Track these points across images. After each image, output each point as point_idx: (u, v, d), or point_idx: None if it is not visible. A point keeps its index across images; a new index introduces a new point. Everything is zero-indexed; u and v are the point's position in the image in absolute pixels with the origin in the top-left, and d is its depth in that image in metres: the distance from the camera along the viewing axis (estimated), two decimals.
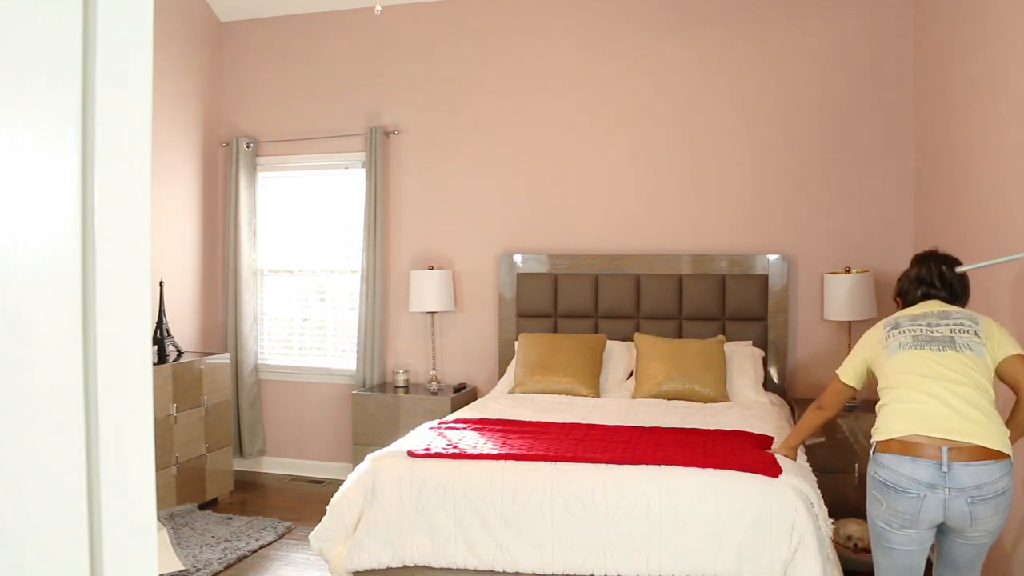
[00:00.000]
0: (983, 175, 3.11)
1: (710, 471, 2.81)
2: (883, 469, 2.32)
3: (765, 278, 4.44)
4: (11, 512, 0.49)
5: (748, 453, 2.98)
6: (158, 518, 3.95)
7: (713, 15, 4.62)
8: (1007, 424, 2.33)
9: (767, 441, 3.18)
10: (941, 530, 2.33)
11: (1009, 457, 2.24)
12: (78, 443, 0.55)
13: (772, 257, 4.45)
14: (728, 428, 3.40)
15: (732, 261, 4.50)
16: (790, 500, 2.67)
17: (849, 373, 2.67)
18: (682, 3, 4.67)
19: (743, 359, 4.22)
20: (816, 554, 2.57)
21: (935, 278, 2.58)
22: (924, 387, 2.34)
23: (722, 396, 4.03)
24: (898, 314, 2.60)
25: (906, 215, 4.34)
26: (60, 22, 0.53)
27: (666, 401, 4.02)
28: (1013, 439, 2.31)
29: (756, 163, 4.57)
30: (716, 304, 4.49)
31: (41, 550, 0.52)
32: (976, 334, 2.40)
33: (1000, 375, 2.37)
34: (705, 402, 4.01)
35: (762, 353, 4.33)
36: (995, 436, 2.24)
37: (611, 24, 4.78)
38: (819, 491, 2.82)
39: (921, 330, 2.46)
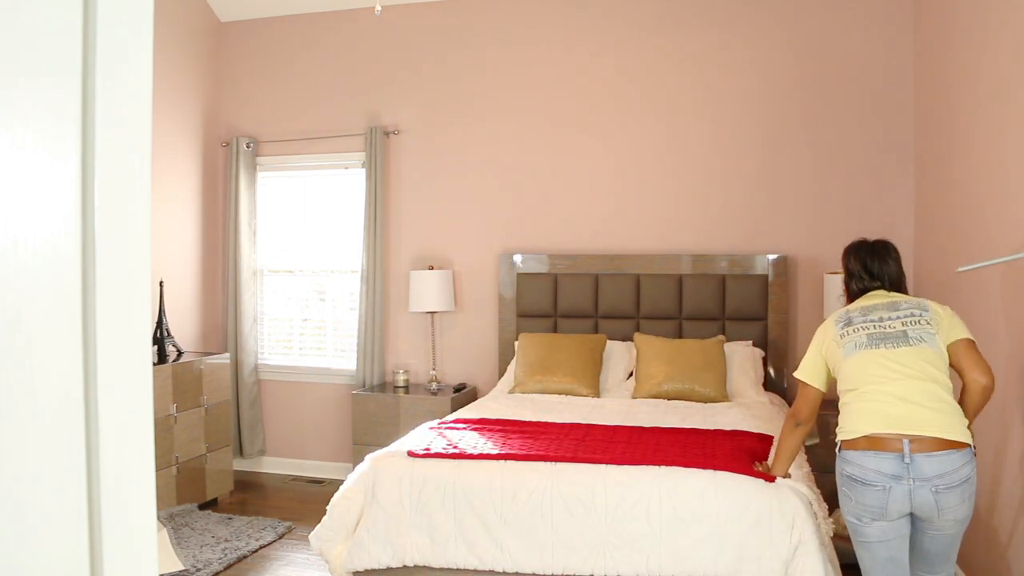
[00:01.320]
0: (983, 175, 3.11)
1: (710, 471, 2.81)
2: (849, 465, 2.39)
3: (765, 278, 4.44)
4: (11, 512, 0.49)
5: (748, 453, 2.98)
6: (158, 518, 3.95)
7: (715, 15, 4.62)
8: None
9: (767, 441, 3.18)
10: (913, 523, 2.38)
11: (970, 446, 2.31)
12: (78, 443, 0.55)
13: (772, 257, 4.45)
14: (728, 428, 3.40)
15: (732, 261, 4.50)
16: (790, 500, 2.67)
17: (814, 377, 2.62)
18: (684, 4, 4.67)
19: (743, 359, 4.22)
20: (816, 554, 2.57)
21: (865, 272, 2.63)
22: (883, 387, 2.40)
23: (722, 396, 4.03)
24: (847, 308, 2.61)
25: (906, 215, 4.34)
26: (60, 22, 0.53)
27: (666, 401, 4.02)
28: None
29: (756, 163, 4.56)
30: (716, 304, 4.49)
31: (41, 550, 0.52)
32: (927, 322, 2.45)
33: (949, 358, 2.43)
34: (705, 402, 4.01)
35: (762, 353, 4.33)
36: (954, 427, 2.31)
37: (613, 24, 4.78)
38: (818, 491, 2.82)
39: (874, 326, 2.48)
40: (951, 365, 2.42)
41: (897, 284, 2.62)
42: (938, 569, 2.44)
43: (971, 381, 2.37)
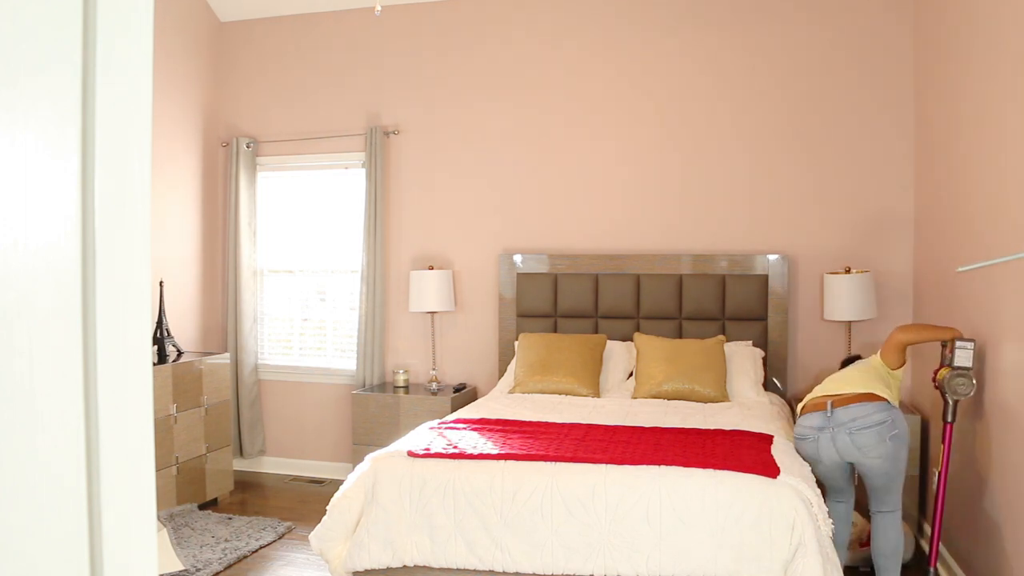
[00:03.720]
0: (983, 175, 3.11)
1: (710, 471, 2.81)
2: (796, 428, 3.21)
3: (765, 278, 4.44)
4: (11, 512, 0.49)
5: (748, 453, 2.98)
6: (158, 518, 3.95)
7: (712, 15, 4.62)
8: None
9: (767, 440, 3.18)
10: (856, 469, 3.14)
11: (884, 400, 3.00)
12: (78, 443, 0.55)
13: (772, 257, 4.45)
14: (728, 428, 3.40)
15: (732, 261, 4.50)
16: (790, 500, 2.67)
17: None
18: (682, 3, 4.67)
19: (743, 359, 4.22)
20: (816, 554, 2.57)
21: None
22: (824, 382, 3.29)
23: (722, 396, 4.03)
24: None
25: (906, 215, 4.34)
26: (60, 22, 0.53)
27: (666, 401, 4.02)
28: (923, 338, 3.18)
29: (756, 163, 4.57)
30: (716, 304, 4.49)
31: (41, 550, 0.52)
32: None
33: (890, 353, 3.18)
34: (705, 402, 4.00)
35: (762, 353, 4.33)
36: (870, 386, 3.06)
37: (611, 24, 4.78)
38: (819, 491, 2.82)
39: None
40: (893, 349, 3.17)
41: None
42: (883, 502, 3.09)
43: (895, 339, 3.18)
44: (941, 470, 3.14)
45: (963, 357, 3.05)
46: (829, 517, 2.84)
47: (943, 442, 3.14)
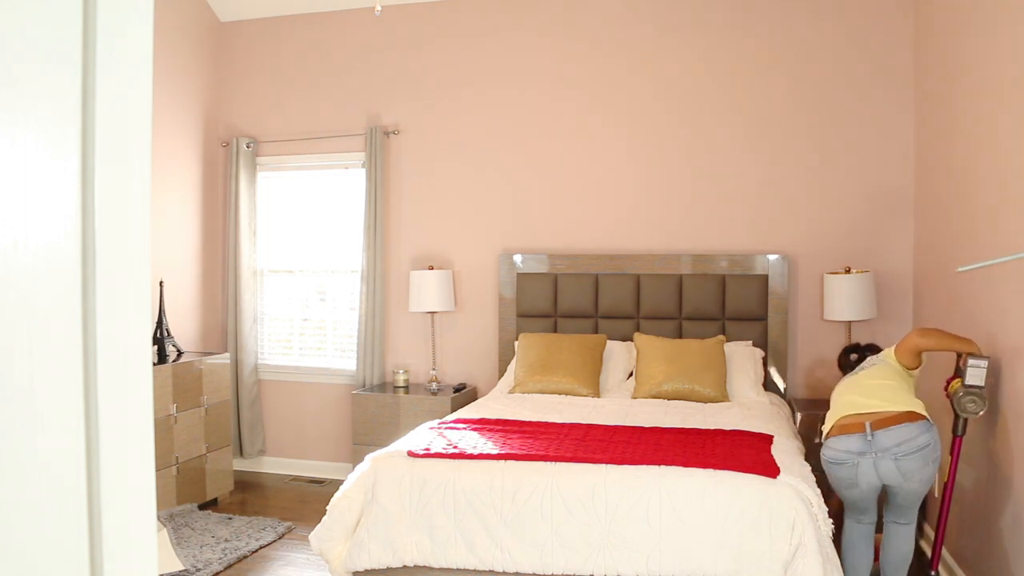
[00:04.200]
0: (983, 175, 3.11)
1: (710, 471, 2.81)
2: (828, 450, 3.00)
3: (765, 278, 4.44)
4: (11, 512, 0.49)
5: (748, 453, 2.98)
6: (158, 518, 3.95)
7: (713, 15, 4.62)
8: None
9: (767, 440, 3.18)
10: (886, 488, 2.94)
11: (926, 419, 2.84)
12: (78, 443, 0.55)
13: (772, 257, 4.45)
14: (728, 428, 3.40)
15: (732, 261, 4.50)
16: (790, 500, 2.67)
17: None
18: (682, 3, 4.67)
19: (743, 359, 4.22)
20: (816, 554, 2.57)
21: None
22: (847, 392, 3.11)
23: (722, 396, 4.03)
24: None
25: (906, 215, 4.34)
26: (60, 22, 0.53)
27: (666, 401, 4.02)
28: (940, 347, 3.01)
29: (756, 163, 4.56)
30: (716, 304, 4.49)
31: (41, 550, 0.52)
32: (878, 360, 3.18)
33: (905, 355, 3.06)
34: (705, 402, 4.00)
35: (762, 353, 4.33)
36: (908, 403, 2.89)
37: (611, 24, 4.78)
38: (819, 491, 2.82)
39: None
40: (909, 355, 3.06)
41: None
42: (903, 515, 3.00)
43: (912, 343, 3.04)
44: (948, 481, 3.02)
45: (975, 375, 2.84)
46: (829, 517, 2.84)
47: (951, 454, 3.03)
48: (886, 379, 3.03)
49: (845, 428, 2.93)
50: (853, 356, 3.58)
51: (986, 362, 2.84)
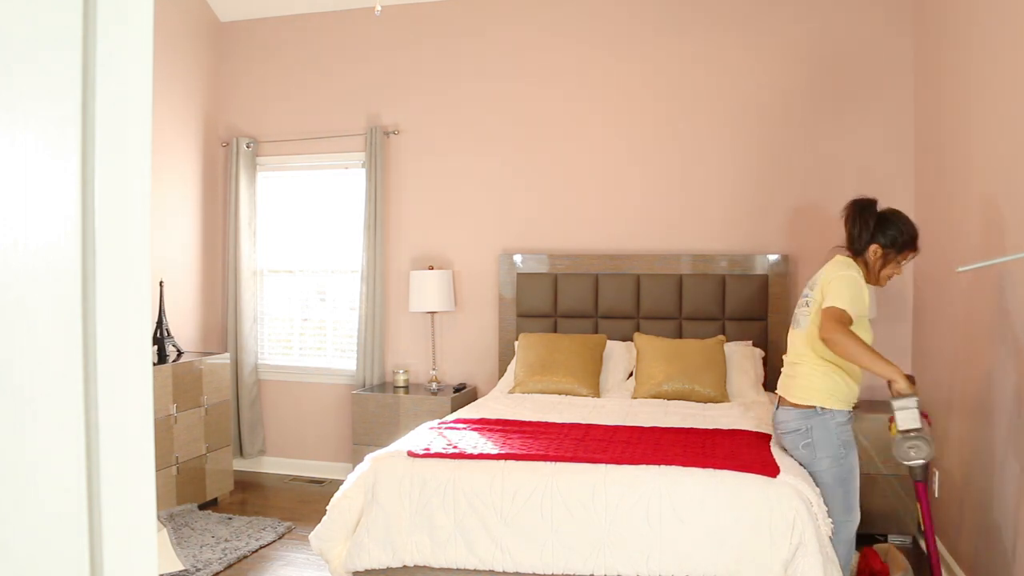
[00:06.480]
0: (983, 174, 3.11)
1: (710, 471, 2.81)
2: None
3: (765, 278, 4.44)
4: (12, 512, 0.49)
5: (748, 453, 2.98)
6: (158, 518, 3.95)
7: (713, 13, 4.62)
8: None
9: (767, 440, 3.18)
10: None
11: (800, 407, 2.80)
12: (78, 443, 0.55)
13: (772, 257, 4.45)
14: (728, 428, 3.40)
15: (732, 261, 4.50)
16: (789, 500, 2.67)
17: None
18: (682, 3, 4.67)
19: (743, 359, 4.22)
20: (816, 554, 2.57)
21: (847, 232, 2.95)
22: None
23: (722, 396, 4.03)
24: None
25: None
26: (60, 23, 0.53)
27: (666, 401, 4.02)
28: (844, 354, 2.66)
29: (756, 163, 4.56)
30: (716, 304, 4.49)
31: (41, 550, 0.52)
32: (807, 304, 2.89)
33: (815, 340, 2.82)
34: (705, 402, 4.00)
35: (762, 353, 4.33)
36: (792, 390, 2.86)
37: (611, 23, 4.78)
38: (819, 490, 2.82)
39: (797, 306, 3.00)
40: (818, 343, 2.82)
41: (849, 244, 2.92)
42: (831, 510, 2.79)
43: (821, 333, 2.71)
44: (924, 529, 2.91)
45: (906, 418, 2.51)
46: (829, 516, 2.84)
47: (918, 500, 2.87)
48: (799, 354, 2.86)
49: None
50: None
51: (915, 400, 2.52)
